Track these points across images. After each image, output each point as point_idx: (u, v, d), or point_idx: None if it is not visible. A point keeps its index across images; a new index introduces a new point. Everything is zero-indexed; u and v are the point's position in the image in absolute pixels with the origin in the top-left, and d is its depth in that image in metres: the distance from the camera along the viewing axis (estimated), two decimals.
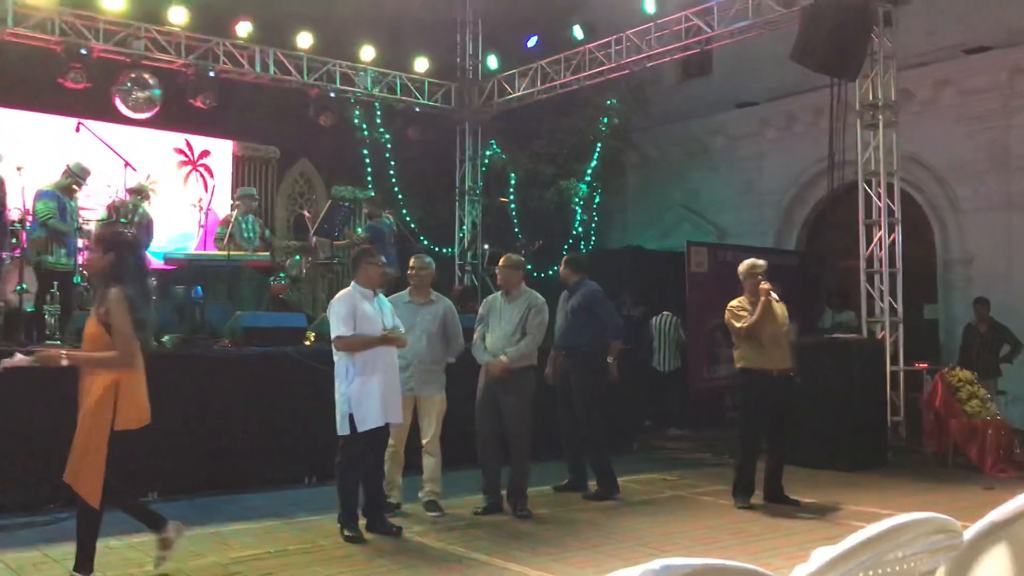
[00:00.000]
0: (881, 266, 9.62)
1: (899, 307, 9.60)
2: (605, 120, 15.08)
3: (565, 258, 7.83)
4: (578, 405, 7.30)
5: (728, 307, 7.08)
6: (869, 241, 9.73)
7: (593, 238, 15.51)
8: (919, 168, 12.68)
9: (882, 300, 9.56)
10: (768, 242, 14.30)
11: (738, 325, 6.94)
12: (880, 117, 9.64)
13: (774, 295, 6.96)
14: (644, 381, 10.91)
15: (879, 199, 9.64)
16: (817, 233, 14.47)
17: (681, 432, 11.39)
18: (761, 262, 7.08)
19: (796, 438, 7.56)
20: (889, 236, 9.64)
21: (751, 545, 5.66)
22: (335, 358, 5.92)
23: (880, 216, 9.64)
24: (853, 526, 6.11)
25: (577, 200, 15.09)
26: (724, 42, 11.38)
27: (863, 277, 9.70)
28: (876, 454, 8.83)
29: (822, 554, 1.78)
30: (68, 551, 5.37)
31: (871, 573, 1.82)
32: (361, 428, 5.72)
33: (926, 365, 9.89)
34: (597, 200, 15.57)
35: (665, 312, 11.89)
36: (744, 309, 6.96)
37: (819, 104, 12.06)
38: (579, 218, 15.19)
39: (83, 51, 10.56)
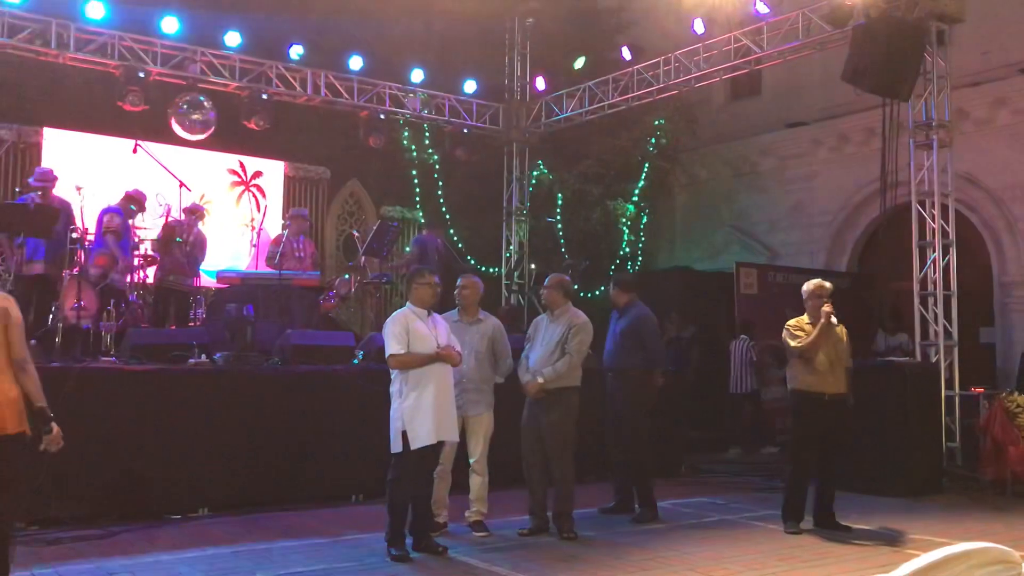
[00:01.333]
0: (935, 288, 9.44)
1: (954, 330, 9.40)
2: (653, 140, 15.07)
3: (612, 279, 7.80)
4: (625, 428, 7.27)
5: (786, 325, 6.96)
6: (923, 263, 9.55)
7: (640, 259, 15.47)
8: (974, 188, 12.47)
9: (936, 323, 9.38)
10: (819, 263, 14.15)
11: (793, 344, 6.81)
12: (934, 137, 9.50)
13: (835, 319, 6.86)
14: (694, 403, 10.84)
15: (933, 220, 9.48)
16: (869, 255, 14.27)
17: (739, 452, 11.40)
18: (827, 284, 6.96)
19: (848, 463, 7.41)
20: (943, 258, 9.46)
21: (801, 571, 5.57)
22: (391, 376, 5.99)
23: (934, 238, 9.47)
24: (907, 554, 5.97)
25: (624, 220, 15.06)
26: (774, 62, 11.31)
27: (916, 300, 9.52)
28: (931, 481, 8.64)
29: None
30: (123, 563, 5.50)
31: None
32: (414, 445, 5.76)
33: (982, 390, 9.66)
34: (644, 220, 15.52)
35: (743, 336, 11.81)
36: (802, 329, 6.83)
37: (871, 124, 11.93)
38: (626, 238, 15.16)
39: (141, 74, 10.83)
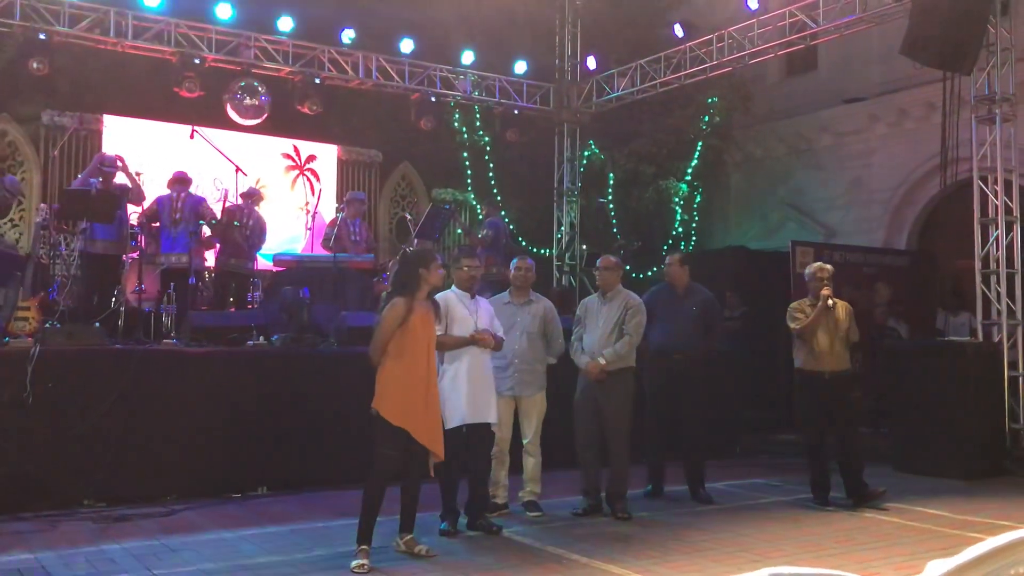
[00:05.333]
0: (998, 267, 9.21)
1: (1018, 309, 9.17)
2: (706, 118, 14.87)
3: (679, 255, 7.65)
4: (693, 410, 7.31)
5: (789, 307, 7.23)
6: (985, 240, 9.32)
7: (694, 238, 15.32)
8: None
9: (999, 302, 9.16)
10: (877, 241, 13.89)
11: (792, 326, 7.10)
12: (997, 111, 9.23)
13: (835, 300, 7.04)
14: (748, 383, 10.73)
15: (995, 196, 9.23)
16: (929, 232, 13.97)
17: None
18: (828, 267, 7.21)
19: (909, 444, 7.35)
20: (1007, 235, 9.23)
21: (859, 554, 5.50)
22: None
23: (997, 214, 9.23)
24: (969, 538, 5.85)
25: (677, 200, 14.92)
26: (830, 37, 11.07)
27: (978, 278, 9.30)
28: (994, 463, 8.46)
29: (937, 567, 1.73)
30: (185, 541, 5.64)
31: None
32: (446, 425, 5.78)
33: None
34: (698, 200, 15.36)
35: None
36: (802, 311, 7.11)
37: (931, 98, 11.62)
38: (679, 218, 15.02)
39: (196, 61, 10.99)
